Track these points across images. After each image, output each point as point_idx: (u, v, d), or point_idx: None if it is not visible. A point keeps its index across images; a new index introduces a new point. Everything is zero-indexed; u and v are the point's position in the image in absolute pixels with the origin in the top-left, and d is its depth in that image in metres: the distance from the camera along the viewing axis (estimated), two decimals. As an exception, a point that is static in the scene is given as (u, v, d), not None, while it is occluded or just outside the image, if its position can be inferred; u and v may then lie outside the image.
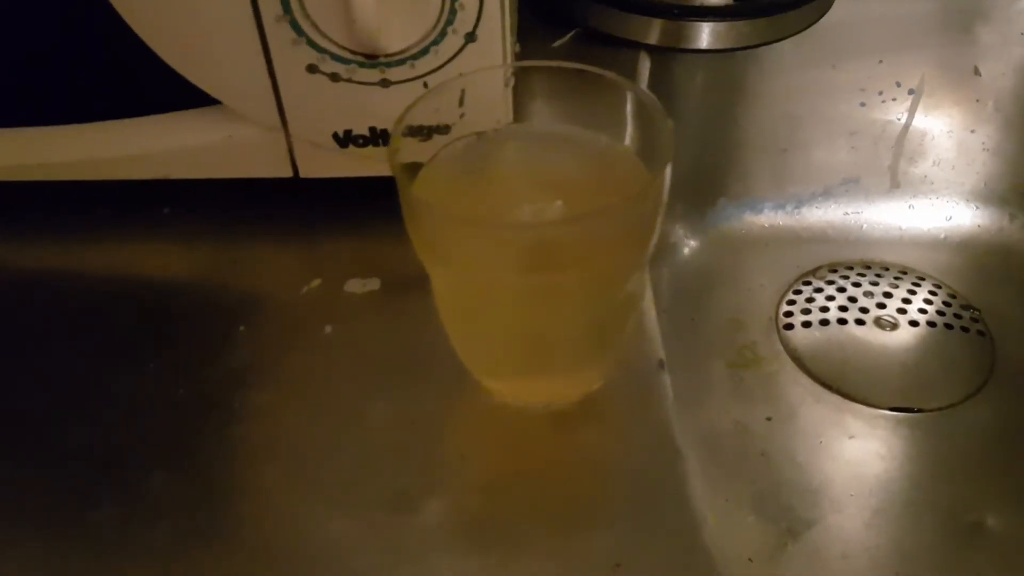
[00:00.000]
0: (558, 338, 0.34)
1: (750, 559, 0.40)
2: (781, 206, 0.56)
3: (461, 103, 0.35)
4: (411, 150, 0.33)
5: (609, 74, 0.33)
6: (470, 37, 0.37)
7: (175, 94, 0.40)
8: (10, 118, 0.41)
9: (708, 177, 0.55)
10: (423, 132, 0.34)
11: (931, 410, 0.46)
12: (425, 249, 0.32)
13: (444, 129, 0.35)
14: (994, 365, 0.48)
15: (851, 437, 0.45)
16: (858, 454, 0.44)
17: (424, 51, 0.37)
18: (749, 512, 0.42)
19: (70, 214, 0.47)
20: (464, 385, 0.38)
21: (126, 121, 0.41)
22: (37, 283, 0.45)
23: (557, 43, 0.50)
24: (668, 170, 0.31)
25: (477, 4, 0.36)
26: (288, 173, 0.42)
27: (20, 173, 0.43)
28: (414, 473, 0.36)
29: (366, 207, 0.42)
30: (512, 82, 0.37)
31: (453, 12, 0.36)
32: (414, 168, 0.33)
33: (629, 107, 0.34)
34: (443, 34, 0.37)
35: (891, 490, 0.43)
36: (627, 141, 0.35)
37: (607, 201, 0.29)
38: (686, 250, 0.55)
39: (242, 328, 0.41)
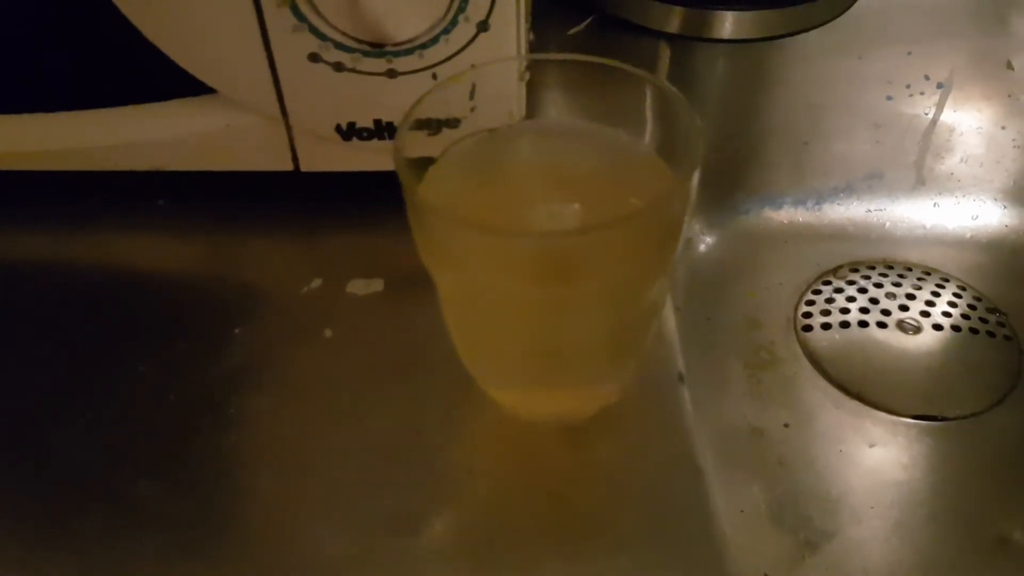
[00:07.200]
0: (574, 350, 0.32)
1: (766, 574, 0.39)
2: (801, 201, 0.54)
3: (472, 96, 0.33)
4: (420, 144, 0.31)
5: (630, 68, 0.31)
6: (482, 26, 0.35)
7: (169, 82, 0.38)
8: (-1, 105, 0.40)
9: (726, 170, 0.54)
10: (432, 125, 0.33)
11: (955, 418, 0.44)
12: (431, 255, 0.30)
13: (454, 123, 0.33)
14: (1021, 371, 0.46)
15: (872, 445, 0.43)
16: (879, 463, 0.43)
17: (433, 40, 0.36)
18: (766, 523, 0.40)
19: (59, 205, 0.45)
20: (472, 395, 0.36)
21: (118, 109, 0.40)
22: (22, 276, 0.43)
23: (573, 31, 0.48)
24: (696, 173, 0.29)
25: (490, -10, 0.34)
26: (288, 166, 0.41)
27: (7, 162, 0.42)
28: (417, 487, 0.34)
29: (370, 203, 0.40)
30: (527, 76, 0.35)
31: (465, -1, 0.34)
32: (422, 163, 0.31)
33: (650, 103, 0.32)
34: (454, 22, 0.35)
35: (913, 501, 0.41)
36: (647, 138, 0.33)
37: (628, 204, 0.27)
38: (702, 246, 0.53)
39: (238, 330, 0.40)
